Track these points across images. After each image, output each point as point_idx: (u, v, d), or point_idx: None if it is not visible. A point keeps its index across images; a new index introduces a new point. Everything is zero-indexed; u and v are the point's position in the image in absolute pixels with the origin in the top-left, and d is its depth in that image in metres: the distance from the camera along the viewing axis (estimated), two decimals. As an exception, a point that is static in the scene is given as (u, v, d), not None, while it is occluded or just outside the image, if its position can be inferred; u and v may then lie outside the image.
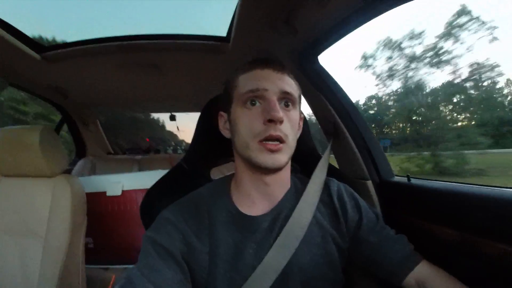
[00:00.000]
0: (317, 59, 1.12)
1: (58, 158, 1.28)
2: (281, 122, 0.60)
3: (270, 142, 0.60)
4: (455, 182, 0.86)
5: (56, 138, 1.30)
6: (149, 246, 0.61)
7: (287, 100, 0.65)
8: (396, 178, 1.08)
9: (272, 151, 0.60)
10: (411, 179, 0.99)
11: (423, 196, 0.90)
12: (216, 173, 0.85)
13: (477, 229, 0.71)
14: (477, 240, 0.70)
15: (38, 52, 1.39)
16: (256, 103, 0.63)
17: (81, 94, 2.15)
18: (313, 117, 1.25)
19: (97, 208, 1.76)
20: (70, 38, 1.41)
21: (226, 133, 0.72)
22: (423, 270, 0.66)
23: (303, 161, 0.84)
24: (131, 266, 1.77)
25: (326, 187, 0.76)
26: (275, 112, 0.59)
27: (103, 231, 1.78)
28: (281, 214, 0.68)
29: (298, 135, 0.70)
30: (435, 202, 0.85)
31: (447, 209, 0.80)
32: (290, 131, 0.63)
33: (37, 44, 1.37)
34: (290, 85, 0.66)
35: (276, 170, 0.64)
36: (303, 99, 1.16)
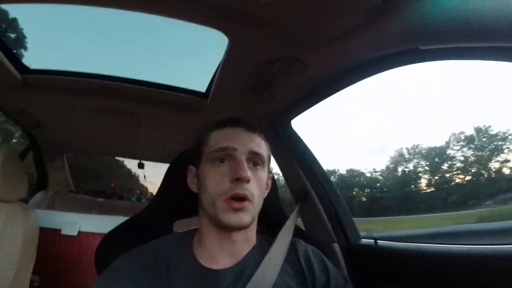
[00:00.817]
0: (290, 124, 1.17)
1: (18, 184, 1.22)
2: (248, 181, 0.61)
3: (236, 201, 0.60)
4: (423, 243, 0.87)
5: (19, 164, 1.26)
6: None
7: (256, 160, 0.66)
8: (363, 241, 1.09)
9: (237, 210, 0.60)
10: (378, 241, 0.99)
11: (390, 258, 0.91)
12: (179, 227, 0.82)
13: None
14: None
15: (20, 73, 1.34)
16: (225, 161, 0.64)
17: (53, 127, 2.08)
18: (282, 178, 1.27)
19: (49, 245, 1.64)
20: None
21: (193, 188, 0.71)
22: None
23: (270, 222, 0.83)
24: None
25: (293, 248, 0.74)
26: (242, 171, 0.60)
27: (52, 271, 1.64)
28: (245, 270, 0.66)
29: (265, 194, 0.70)
30: (402, 264, 0.86)
31: (414, 270, 0.81)
32: (256, 190, 0.64)
33: (21, 64, 1.34)
34: (260, 145, 0.67)
35: (240, 228, 0.63)
36: (274, 161, 1.19)
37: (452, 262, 0.72)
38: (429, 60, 0.79)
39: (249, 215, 0.62)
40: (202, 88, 1.30)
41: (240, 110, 1.14)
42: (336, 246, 1.08)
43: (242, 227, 0.63)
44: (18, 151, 2.64)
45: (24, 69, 1.36)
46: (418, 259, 0.81)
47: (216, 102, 1.24)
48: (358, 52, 0.83)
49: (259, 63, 0.89)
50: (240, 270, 0.66)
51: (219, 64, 0.99)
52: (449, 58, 0.76)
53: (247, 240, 0.70)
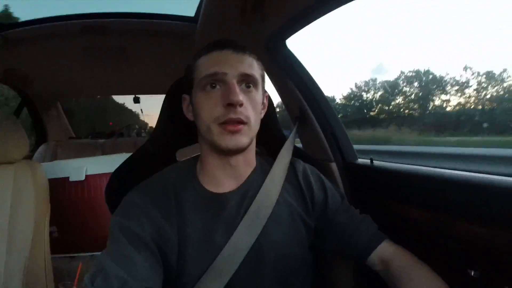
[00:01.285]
0: (285, 44, 1.12)
1: (19, 143, 1.21)
2: (241, 105, 0.60)
3: (231, 125, 0.60)
4: (416, 165, 0.90)
5: (16, 122, 1.23)
6: (118, 232, 0.59)
7: (248, 81, 0.64)
8: (360, 161, 1.12)
9: (233, 132, 0.61)
10: (374, 161, 1.03)
11: (386, 178, 0.95)
12: (182, 155, 0.84)
13: (439, 208, 0.75)
14: (440, 220, 0.75)
15: None
16: (216, 86, 0.62)
17: (42, 78, 2.04)
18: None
19: (60, 194, 1.71)
20: (29, 17, 1.32)
21: (189, 116, 0.71)
22: (387, 249, 0.69)
23: (269, 143, 0.85)
24: (98, 253, 1.74)
25: (292, 168, 0.78)
26: (234, 96, 0.59)
27: (68, 218, 1.73)
28: (248, 192, 0.69)
29: (262, 114, 0.71)
30: (397, 183, 0.89)
31: (409, 190, 0.85)
32: (251, 112, 0.63)
33: None
34: (251, 66, 0.65)
35: (238, 151, 0.65)
36: (269, 83, 1.17)
37: (444, 185, 0.74)
38: None
39: (246, 137, 0.63)
40: (191, 13, 1.25)
41: (231, 32, 1.08)
42: (334, 165, 1.11)
43: (240, 150, 0.64)
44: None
45: (1, 27, 1.29)
46: (412, 180, 0.84)
47: (206, 26, 1.19)
48: None
49: None
50: (244, 192, 0.69)
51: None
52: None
53: (247, 162, 0.72)
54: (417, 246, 0.70)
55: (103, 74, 2.06)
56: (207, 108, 0.62)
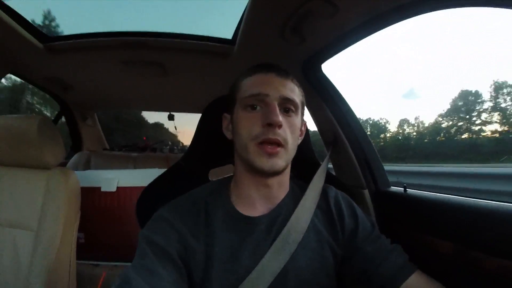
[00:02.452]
0: (321, 68, 1.13)
1: (55, 150, 1.25)
2: (279, 126, 0.61)
3: (268, 145, 0.61)
4: (451, 195, 0.86)
5: (54, 129, 1.27)
6: (146, 246, 0.60)
7: (288, 106, 0.65)
8: (393, 188, 1.09)
9: (270, 154, 0.61)
10: (407, 189, 1.00)
11: (419, 207, 0.91)
12: (215, 175, 0.85)
13: (473, 242, 0.71)
14: (473, 254, 0.71)
15: (42, 42, 1.37)
16: (257, 107, 0.64)
17: (82, 88, 2.12)
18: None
19: (90, 203, 1.75)
20: (73, 31, 1.40)
21: (228, 135, 0.72)
22: (417, 280, 0.66)
23: (302, 168, 0.84)
24: (121, 263, 1.77)
25: (324, 194, 0.76)
26: (274, 116, 0.60)
27: (96, 227, 1.76)
28: (279, 217, 0.69)
29: (299, 141, 0.71)
30: (431, 214, 0.85)
31: (443, 221, 0.81)
32: (289, 136, 0.64)
33: (41, 33, 1.35)
34: (292, 91, 0.66)
35: (274, 173, 0.65)
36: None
37: (481, 216, 0.71)
38: (470, 6, 0.71)
39: (282, 160, 0.63)
40: (229, 35, 1.28)
41: (268, 55, 1.10)
42: (366, 192, 1.09)
43: (276, 172, 0.64)
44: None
45: (44, 38, 1.38)
46: (448, 211, 0.80)
47: (243, 48, 1.21)
48: None
49: (288, 4, 0.84)
50: (274, 216, 0.68)
51: (245, 8, 0.95)
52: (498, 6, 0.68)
53: (281, 186, 0.71)
54: (448, 279, 0.66)
55: (140, 88, 2.13)
56: (246, 127, 0.63)
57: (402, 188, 1.01)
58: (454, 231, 0.77)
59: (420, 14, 0.80)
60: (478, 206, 0.73)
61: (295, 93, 0.67)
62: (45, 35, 1.38)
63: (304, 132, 0.76)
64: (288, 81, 0.67)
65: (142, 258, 0.59)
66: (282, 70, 0.68)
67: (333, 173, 1.21)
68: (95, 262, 1.83)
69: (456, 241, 0.76)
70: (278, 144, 0.61)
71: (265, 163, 0.61)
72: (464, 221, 0.75)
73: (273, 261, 0.63)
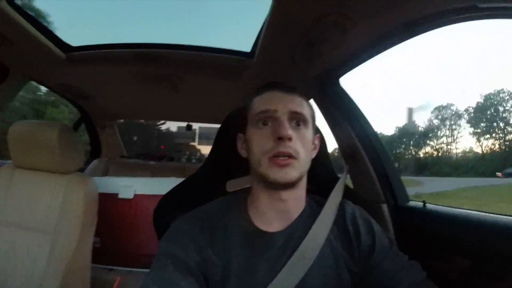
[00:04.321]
0: (339, 82, 1.13)
1: (74, 156, 1.29)
2: (290, 139, 0.62)
3: (280, 158, 0.62)
4: (471, 210, 0.84)
5: (74, 136, 1.32)
6: (165, 257, 0.61)
7: (298, 119, 0.67)
8: (412, 203, 1.07)
9: (281, 165, 0.62)
10: (426, 204, 0.98)
11: (438, 222, 0.89)
12: (232, 186, 0.85)
13: (493, 258, 0.70)
14: (493, 270, 0.69)
15: (64, 51, 1.41)
16: (268, 123, 0.66)
17: (100, 97, 2.18)
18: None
19: (107, 209, 1.77)
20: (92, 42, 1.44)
21: (243, 154, 0.73)
22: None
23: (320, 182, 0.83)
24: (136, 269, 1.79)
25: (341, 210, 0.75)
26: (283, 130, 0.61)
27: (112, 232, 1.79)
28: (295, 233, 0.68)
29: (313, 155, 0.71)
30: (450, 229, 0.84)
31: (461, 236, 0.79)
32: (301, 148, 0.64)
33: (63, 43, 1.40)
34: (300, 105, 0.68)
35: (288, 185, 0.65)
36: (323, 121, 1.17)
37: (501, 232, 0.69)
38: (485, 18, 0.72)
39: (295, 171, 0.63)
40: (247, 49, 1.28)
41: (286, 69, 1.11)
42: (385, 206, 1.07)
43: (289, 183, 0.64)
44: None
45: (67, 48, 1.42)
46: (468, 226, 0.78)
47: (262, 61, 1.22)
48: (411, 9, 0.77)
49: (306, 19, 0.85)
50: (291, 232, 0.68)
51: (263, 22, 0.97)
52: (507, 17, 0.69)
53: (297, 201, 0.71)
54: None
55: (156, 99, 2.17)
56: (258, 143, 0.65)
57: (422, 203, 0.99)
58: (474, 247, 0.75)
59: (437, 28, 0.81)
60: (498, 222, 0.71)
61: (303, 107, 0.68)
62: (68, 45, 1.42)
63: (318, 146, 0.76)
64: (295, 96, 0.69)
65: (162, 270, 0.59)
66: (288, 86, 0.70)
67: (351, 187, 1.20)
68: (110, 267, 1.85)
69: (475, 257, 0.74)
70: (290, 156, 0.62)
71: (277, 173, 0.62)
72: (483, 237, 0.73)
73: (288, 278, 0.63)
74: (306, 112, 0.68)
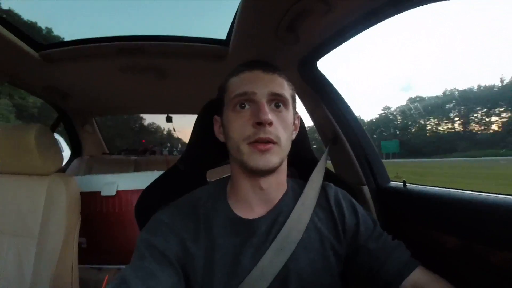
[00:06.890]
0: (316, 65, 1.13)
1: (53, 156, 1.26)
2: (270, 124, 0.60)
3: (260, 143, 0.60)
4: (451, 188, 0.86)
5: (52, 137, 1.28)
6: (144, 248, 0.60)
7: (278, 101, 0.64)
8: (392, 184, 1.09)
9: (262, 151, 0.60)
10: (407, 185, 0.99)
11: (419, 201, 0.91)
12: (212, 175, 0.84)
13: (475, 235, 0.71)
14: (476, 247, 0.71)
15: (37, 50, 1.37)
16: (246, 106, 0.63)
17: (80, 95, 2.13)
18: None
19: (91, 208, 1.76)
20: (69, 37, 1.40)
21: (221, 138, 0.71)
22: (420, 276, 0.65)
23: (300, 165, 0.83)
24: (124, 267, 1.76)
25: (324, 192, 0.75)
26: (263, 114, 0.59)
27: (97, 231, 1.77)
28: (278, 217, 0.68)
29: (293, 136, 0.70)
30: (431, 208, 0.85)
31: (443, 215, 0.80)
32: (282, 132, 0.63)
33: (35, 42, 1.35)
34: (281, 85, 0.65)
35: (269, 171, 0.64)
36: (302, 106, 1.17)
37: (482, 210, 0.70)
38: None
39: (276, 157, 0.62)
40: (223, 36, 1.27)
41: (262, 55, 1.10)
42: (366, 188, 1.08)
43: (270, 170, 0.63)
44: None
45: (39, 47, 1.38)
46: (448, 204, 0.80)
47: (237, 48, 1.20)
48: None
49: (281, 3, 0.84)
50: (274, 216, 0.68)
51: (237, 8, 0.94)
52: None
53: (278, 185, 0.70)
54: (452, 273, 0.66)
55: (138, 93, 2.12)
56: (237, 128, 0.62)
57: (402, 183, 1.01)
58: (456, 225, 0.77)
59: (416, 6, 0.79)
60: (479, 199, 0.73)
61: (284, 87, 0.66)
62: (40, 43, 1.38)
63: (298, 126, 0.75)
64: (275, 76, 0.66)
65: (141, 260, 0.58)
66: (269, 66, 0.67)
67: (332, 170, 1.21)
68: (98, 266, 1.83)
69: (458, 234, 0.76)
70: (271, 141, 0.60)
71: (258, 161, 0.60)
72: (465, 215, 0.74)
73: (272, 262, 0.63)
74: (286, 93, 0.66)
